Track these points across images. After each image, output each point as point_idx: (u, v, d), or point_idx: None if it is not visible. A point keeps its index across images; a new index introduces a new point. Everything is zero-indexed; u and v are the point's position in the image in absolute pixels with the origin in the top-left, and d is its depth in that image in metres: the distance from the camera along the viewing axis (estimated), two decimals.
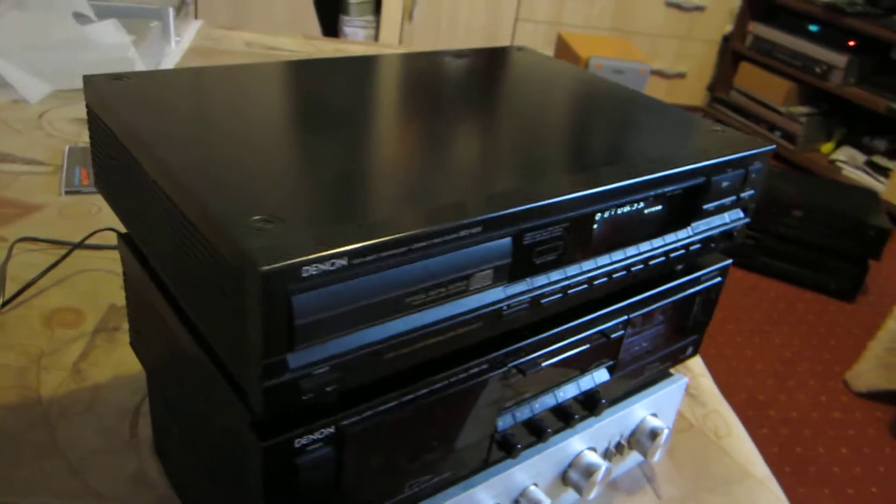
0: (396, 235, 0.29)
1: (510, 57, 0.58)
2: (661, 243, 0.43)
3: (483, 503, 0.44)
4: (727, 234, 0.47)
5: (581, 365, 0.44)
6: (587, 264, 0.39)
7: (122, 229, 0.73)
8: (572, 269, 0.38)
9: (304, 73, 0.47)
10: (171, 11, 1.34)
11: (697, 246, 0.45)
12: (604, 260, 0.40)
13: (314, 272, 0.27)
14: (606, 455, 0.51)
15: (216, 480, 0.38)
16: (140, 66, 1.15)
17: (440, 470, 0.39)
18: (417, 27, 2.92)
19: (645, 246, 0.42)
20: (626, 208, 0.39)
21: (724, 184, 0.45)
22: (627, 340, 0.46)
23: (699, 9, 3.13)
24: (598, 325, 0.43)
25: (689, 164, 0.41)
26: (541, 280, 0.37)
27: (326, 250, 0.27)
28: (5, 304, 0.62)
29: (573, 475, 0.48)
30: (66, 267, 0.68)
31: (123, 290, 0.66)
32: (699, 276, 0.49)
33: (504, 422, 0.41)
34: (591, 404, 0.46)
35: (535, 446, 0.45)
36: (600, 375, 0.47)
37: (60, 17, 1.10)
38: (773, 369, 1.78)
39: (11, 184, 0.81)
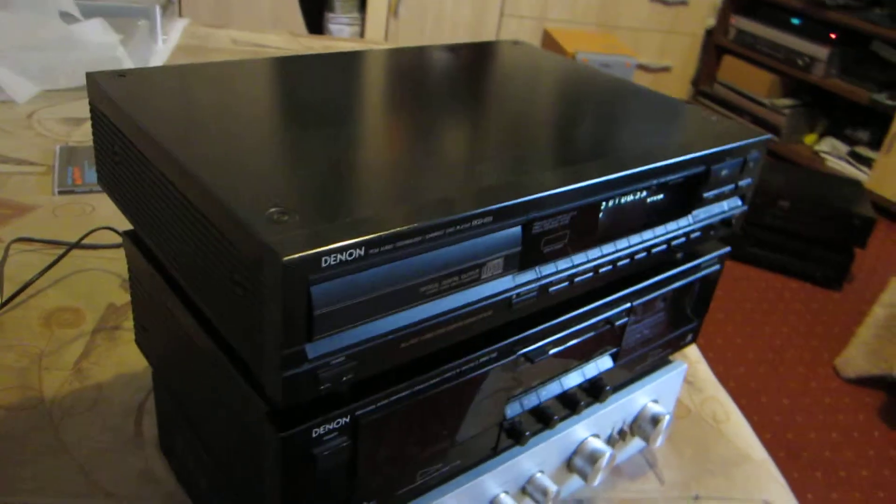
0: (411, 225, 0.29)
1: (509, 51, 0.58)
2: (663, 231, 0.44)
3: (491, 491, 0.44)
4: (726, 222, 0.48)
5: (586, 352, 0.45)
6: (593, 252, 0.39)
7: (120, 227, 0.73)
8: (579, 258, 0.39)
9: (306, 67, 0.47)
10: (158, 10, 1.33)
11: (697, 234, 0.46)
12: (608, 248, 0.40)
13: (333, 262, 0.27)
14: (610, 441, 0.52)
15: (229, 474, 0.39)
16: (129, 66, 1.15)
17: (450, 458, 0.40)
18: (403, 23, 2.92)
19: (647, 234, 0.43)
20: (630, 197, 0.40)
21: (724, 172, 0.45)
22: (630, 328, 0.47)
23: (682, 3, 3.15)
24: (603, 313, 0.44)
25: (690, 154, 0.41)
26: (549, 269, 0.37)
27: (345, 240, 0.27)
28: (3, 304, 0.62)
29: (578, 462, 0.49)
30: (63, 267, 0.68)
31: (122, 289, 0.66)
32: (699, 264, 0.49)
33: (512, 409, 0.42)
34: (595, 391, 0.47)
35: (541, 433, 0.46)
36: (604, 363, 0.47)
37: (47, 16, 1.09)
38: (764, 357, 1.80)
39: (4, 184, 0.81)
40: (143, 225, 0.39)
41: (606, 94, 0.50)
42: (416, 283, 0.31)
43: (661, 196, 0.42)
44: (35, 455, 0.49)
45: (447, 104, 0.45)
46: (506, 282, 0.35)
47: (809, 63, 2.95)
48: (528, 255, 0.35)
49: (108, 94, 0.38)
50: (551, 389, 0.44)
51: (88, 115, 1.02)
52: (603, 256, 0.40)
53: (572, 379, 0.45)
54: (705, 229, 0.47)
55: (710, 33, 3.35)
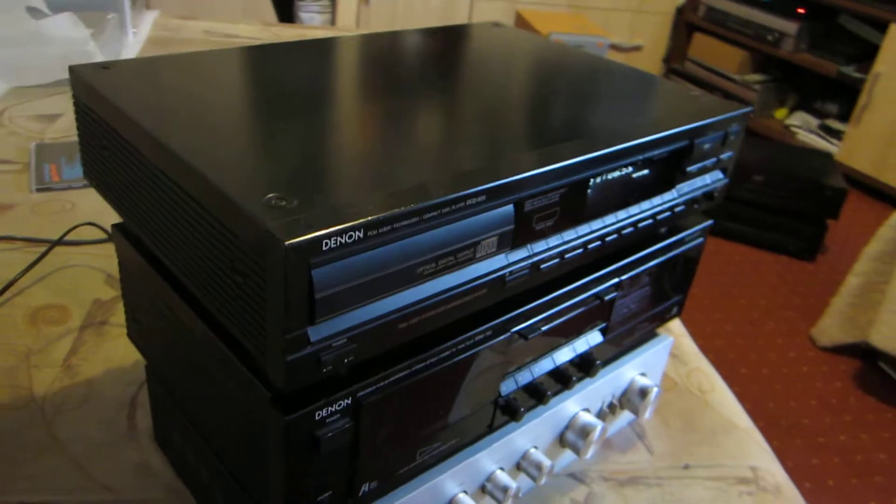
0: (408, 207, 0.29)
1: (490, 33, 0.58)
2: (649, 206, 0.44)
3: (487, 468, 0.45)
4: (708, 195, 0.49)
5: (577, 328, 0.46)
6: (582, 229, 0.40)
7: (102, 223, 0.73)
8: (568, 234, 0.39)
9: (291, 55, 0.47)
10: (127, 2, 1.31)
11: (682, 207, 0.47)
12: (597, 224, 0.41)
13: (334, 245, 0.27)
14: (600, 415, 0.53)
15: (230, 461, 0.39)
16: (99, 59, 1.13)
17: (448, 437, 0.41)
18: (374, 9, 2.89)
19: (634, 209, 0.44)
20: (617, 173, 0.41)
21: (706, 146, 0.46)
22: (619, 302, 0.48)
23: None
24: (592, 289, 0.45)
25: (674, 128, 0.42)
26: (540, 246, 0.38)
27: (344, 223, 0.27)
28: None
29: (570, 436, 0.50)
30: (46, 264, 0.67)
31: (107, 285, 0.65)
32: (684, 237, 0.50)
33: (507, 387, 0.43)
34: (586, 366, 0.48)
35: (535, 409, 0.46)
36: (594, 337, 0.48)
37: (14, 12, 1.07)
38: (742, 330, 1.84)
39: None
40: (134, 218, 0.39)
41: (590, 73, 0.50)
42: (413, 264, 0.31)
43: (646, 171, 0.43)
44: (30, 453, 0.49)
45: (435, 87, 0.45)
46: (499, 260, 0.36)
47: (778, 38, 2.98)
48: (521, 232, 0.36)
49: (93, 87, 0.38)
50: (544, 366, 0.45)
51: (62, 111, 1.00)
52: (592, 232, 0.41)
53: (564, 355, 0.46)
54: (689, 203, 0.47)
55: (680, 11, 3.37)
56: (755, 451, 0.58)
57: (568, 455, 0.52)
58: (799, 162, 2.25)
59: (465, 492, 0.44)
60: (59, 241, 0.68)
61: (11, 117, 0.97)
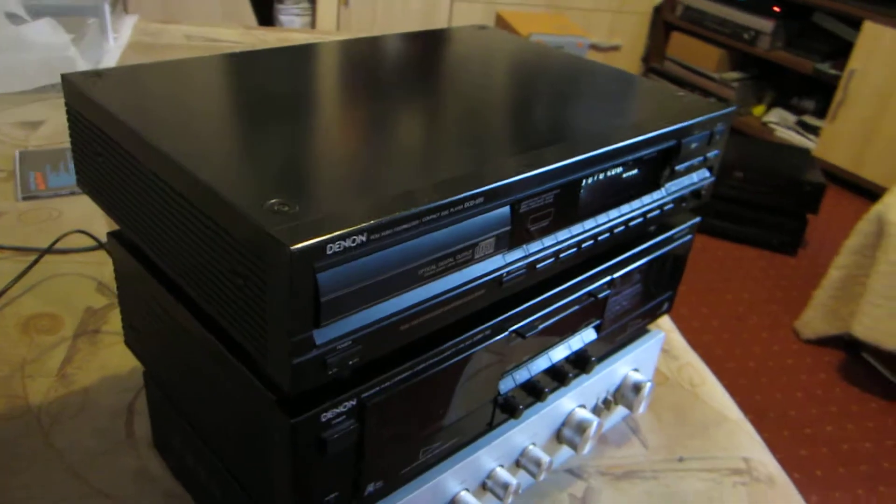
0: (409, 210, 0.30)
1: (478, 35, 0.59)
2: (639, 205, 0.45)
3: (487, 466, 0.46)
4: (696, 193, 0.50)
5: (572, 326, 0.46)
6: (575, 228, 0.41)
7: (91, 231, 0.72)
8: (562, 234, 0.40)
9: (283, 60, 0.47)
10: (107, 7, 1.30)
11: (670, 206, 0.48)
12: (590, 223, 0.42)
13: (338, 249, 0.28)
14: (595, 411, 0.54)
15: (233, 465, 0.39)
16: (81, 65, 1.12)
17: (449, 435, 0.41)
18: (354, 12, 2.89)
19: (625, 208, 0.44)
20: (608, 173, 0.41)
21: (693, 145, 0.47)
22: (612, 300, 0.49)
23: None
24: (586, 287, 0.45)
25: (663, 128, 0.43)
26: (535, 246, 0.38)
27: (347, 227, 0.28)
28: None
29: (567, 432, 0.51)
30: (36, 273, 0.67)
31: (98, 293, 0.65)
32: (673, 234, 0.51)
33: (505, 385, 0.43)
34: (581, 363, 0.49)
35: (532, 407, 0.47)
36: (588, 335, 0.49)
37: None
38: (728, 325, 1.86)
39: None
40: (131, 225, 0.39)
41: (579, 76, 0.51)
42: (414, 266, 0.32)
43: (635, 171, 0.44)
44: (27, 462, 0.49)
45: (427, 92, 0.45)
46: (497, 261, 0.36)
47: (755, 36, 3.02)
48: (517, 233, 0.37)
49: (88, 95, 0.38)
50: (541, 364, 0.46)
51: (44, 118, 0.99)
52: (585, 231, 0.41)
53: (559, 352, 0.47)
54: (677, 201, 0.48)
55: (657, 11, 3.40)
56: (747, 443, 0.59)
57: (565, 451, 0.53)
58: (778, 158, 2.28)
59: (467, 489, 0.44)
60: (49, 250, 0.68)
61: None
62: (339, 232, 0.28)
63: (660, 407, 0.61)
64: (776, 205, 2.18)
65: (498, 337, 0.40)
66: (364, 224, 0.28)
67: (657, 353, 0.58)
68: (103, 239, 0.71)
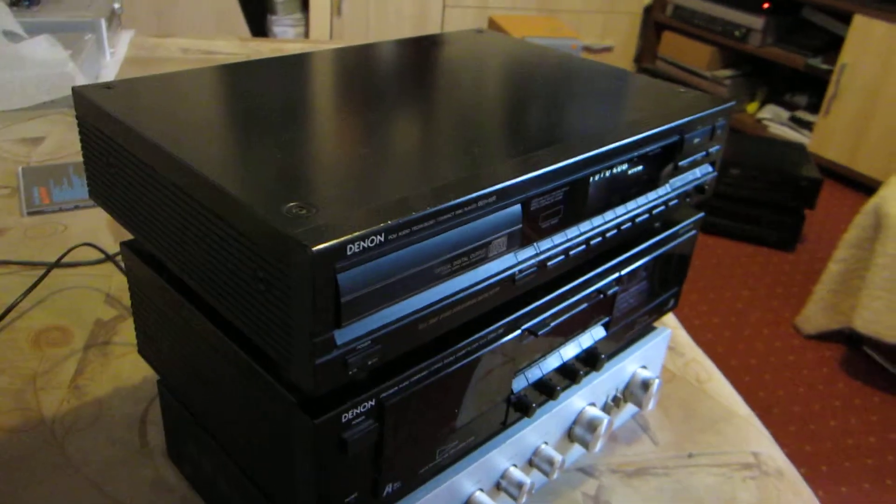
0: (424, 210, 0.30)
1: (477, 39, 0.60)
2: (645, 200, 0.46)
3: (501, 466, 0.46)
4: (699, 188, 0.51)
5: (582, 323, 0.47)
6: (584, 226, 0.41)
7: (98, 244, 0.73)
8: (572, 231, 0.41)
9: (288, 68, 0.48)
10: (104, 23, 1.31)
11: (675, 201, 0.48)
12: (598, 220, 0.42)
13: (357, 250, 0.28)
14: (605, 409, 0.54)
15: (253, 469, 0.40)
16: (80, 80, 1.13)
17: (465, 435, 0.41)
18: (347, 21, 2.90)
19: (631, 204, 0.45)
20: (615, 169, 0.42)
21: (696, 140, 0.48)
22: (620, 296, 0.49)
23: None
24: (595, 284, 0.46)
25: (667, 124, 0.43)
26: (546, 244, 0.39)
27: (366, 228, 0.28)
28: None
29: (578, 431, 0.51)
30: (44, 287, 0.67)
31: (107, 305, 0.66)
32: (678, 230, 0.52)
33: (518, 384, 0.44)
34: (592, 360, 0.49)
35: (544, 405, 0.47)
36: (598, 332, 0.49)
37: None
38: (729, 322, 1.87)
39: None
40: (146, 234, 0.39)
41: (584, 76, 0.52)
42: (431, 265, 0.32)
43: (640, 167, 0.44)
44: (44, 474, 0.49)
45: (434, 94, 0.46)
46: (509, 259, 0.37)
47: (746, 33, 3.04)
48: (528, 231, 0.37)
49: (100, 106, 0.38)
50: (552, 362, 0.46)
51: (45, 133, 1.00)
52: (593, 228, 0.42)
53: (570, 350, 0.47)
54: (681, 196, 0.49)
55: (648, 11, 3.42)
56: (755, 437, 0.59)
57: (576, 450, 0.53)
58: (773, 154, 2.29)
59: (482, 489, 0.45)
60: (57, 264, 0.68)
61: None
62: (358, 233, 0.28)
63: (668, 403, 0.62)
64: (773, 201, 2.19)
65: (511, 335, 0.41)
66: (382, 224, 0.29)
67: (664, 349, 0.59)
68: (110, 251, 0.72)
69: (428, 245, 0.32)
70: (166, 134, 0.36)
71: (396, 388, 0.35)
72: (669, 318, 0.74)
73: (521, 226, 0.36)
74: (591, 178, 0.40)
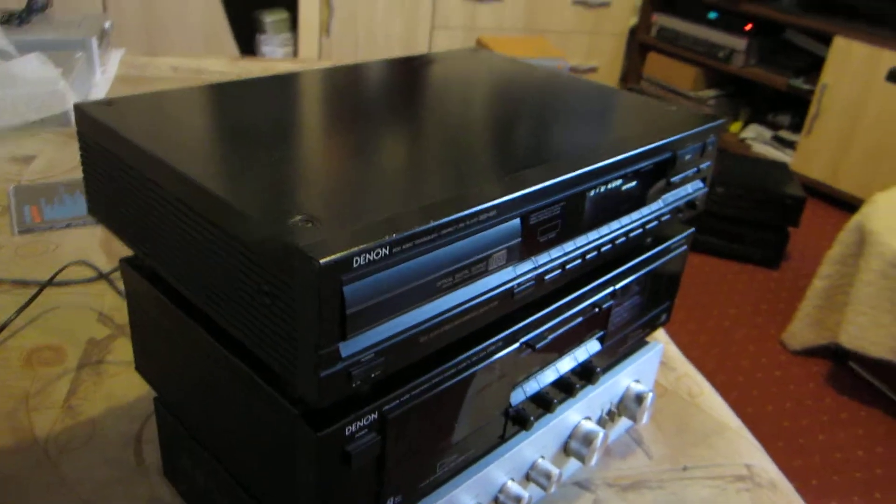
0: (427, 224, 0.31)
1: (472, 57, 0.61)
2: (639, 216, 0.47)
3: (499, 480, 0.46)
4: (691, 204, 0.52)
5: (578, 337, 0.47)
6: (580, 240, 0.42)
7: (93, 262, 0.72)
8: (568, 246, 0.41)
9: (287, 86, 0.49)
10: (95, 41, 1.31)
11: (667, 216, 0.49)
12: (593, 235, 0.43)
13: (363, 262, 0.29)
14: (600, 423, 0.55)
15: (253, 485, 0.40)
16: (71, 98, 1.13)
17: (464, 449, 0.42)
18: (335, 41, 2.92)
19: (625, 220, 0.46)
20: (610, 185, 0.43)
21: (687, 157, 0.49)
22: (614, 310, 0.50)
23: (604, 4, 3.25)
24: (591, 298, 0.46)
25: (660, 140, 0.44)
26: (543, 258, 0.40)
27: (371, 241, 0.29)
28: None
29: (574, 445, 0.51)
30: (37, 306, 0.67)
31: (100, 323, 0.65)
32: (670, 245, 0.53)
33: (516, 397, 0.44)
34: (587, 374, 0.49)
35: (540, 420, 0.48)
36: (593, 346, 0.50)
37: None
38: (716, 339, 1.88)
39: None
40: (147, 249, 0.39)
41: (578, 94, 0.53)
42: (433, 278, 0.33)
43: (634, 183, 0.45)
44: (39, 495, 0.49)
45: (432, 111, 0.47)
46: (508, 272, 0.37)
47: (729, 54, 3.09)
48: (527, 245, 0.38)
49: (102, 122, 0.39)
50: (549, 375, 0.46)
51: (36, 152, 1.00)
52: (588, 243, 0.43)
53: (566, 364, 0.48)
54: (673, 212, 0.50)
55: (633, 32, 3.47)
56: (747, 450, 0.60)
57: (572, 464, 0.53)
58: (758, 173, 2.33)
59: (480, 503, 0.45)
60: (50, 282, 0.68)
61: None
62: (363, 246, 0.29)
63: (661, 418, 0.62)
64: (758, 219, 2.22)
65: (510, 348, 0.41)
66: (387, 238, 0.29)
67: (656, 364, 0.59)
68: (104, 269, 0.72)
69: (430, 258, 0.32)
70: (169, 149, 0.36)
71: (398, 400, 0.35)
72: (660, 334, 0.75)
73: (519, 240, 0.37)
74: (588, 193, 0.41)
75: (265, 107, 0.45)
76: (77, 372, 0.60)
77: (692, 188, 0.51)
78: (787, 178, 2.30)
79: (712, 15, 3.18)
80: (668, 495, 0.54)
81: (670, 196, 0.49)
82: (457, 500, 0.43)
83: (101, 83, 1.31)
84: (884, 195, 1.68)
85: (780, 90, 2.95)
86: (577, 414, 0.51)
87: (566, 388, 0.48)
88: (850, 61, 2.63)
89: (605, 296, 0.48)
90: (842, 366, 1.80)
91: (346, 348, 0.30)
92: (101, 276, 0.70)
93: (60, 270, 0.68)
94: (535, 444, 0.48)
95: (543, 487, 0.48)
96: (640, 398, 0.56)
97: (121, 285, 0.69)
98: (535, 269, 0.39)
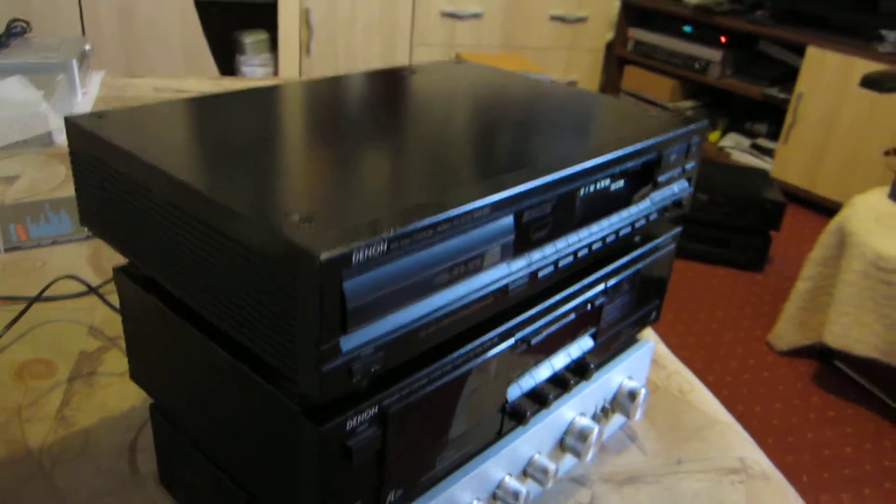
0: (424, 220, 0.32)
1: (457, 68, 0.62)
2: (627, 214, 0.48)
3: (497, 476, 0.47)
4: (677, 203, 0.53)
5: (571, 333, 0.48)
6: (571, 237, 0.43)
7: (83, 276, 0.72)
8: (560, 243, 0.42)
9: (277, 96, 0.49)
10: (75, 64, 1.32)
11: (655, 216, 0.50)
12: (584, 233, 0.44)
13: (362, 258, 0.29)
14: (594, 419, 0.55)
15: (253, 486, 0.40)
16: (54, 119, 1.13)
17: (463, 444, 0.42)
18: (316, 60, 2.94)
19: (615, 218, 0.47)
20: (600, 184, 0.44)
21: (673, 157, 0.50)
22: (606, 308, 0.51)
23: (581, 20, 3.30)
24: (583, 294, 0.47)
25: (646, 140, 0.45)
26: (536, 255, 0.40)
27: (371, 237, 0.29)
28: None
29: (570, 440, 0.52)
30: (25, 321, 0.66)
31: (90, 336, 0.65)
32: (658, 244, 0.54)
33: (512, 393, 0.45)
34: (581, 370, 0.50)
35: (537, 416, 0.48)
36: (586, 343, 0.51)
37: None
38: (703, 342, 1.90)
39: None
40: (142, 257, 0.40)
41: (564, 100, 0.54)
42: (430, 274, 0.33)
43: (622, 183, 0.46)
44: None
45: (421, 116, 0.47)
46: (502, 269, 0.38)
47: (705, 66, 3.14)
48: (520, 242, 0.38)
49: (95, 133, 0.39)
50: (543, 372, 0.47)
51: (19, 172, 0.99)
52: (580, 241, 0.44)
53: (560, 360, 0.48)
54: (661, 211, 0.51)
55: (610, 46, 3.52)
56: (740, 443, 0.61)
57: (568, 460, 0.54)
58: (738, 180, 2.36)
59: (478, 499, 0.45)
60: (39, 297, 0.67)
61: None
62: (362, 241, 0.29)
63: (654, 414, 0.63)
64: (740, 224, 2.25)
65: (505, 344, 0.42)
66: (384, 234, 0.30)
67: (648, 361, 0.60)
68: (93, 284, 0.72)
69: (427, 254, 0.33)
70: (163, 157, 0.37)
71: (398, 395, 0.35)
72: (650, 335, 0.76)
73: (513, 237, 0.37)
74: (578, 192, 0.42)
75: (257, 116, 0.45)
76: (69, 384, 0.60)
77: (678, 188, 0.52)
78: (767, 183, 2.34)
79: (687, 28, 3.24)
80: (664, 489, 0.55)
81: (657, 195, 0.50)
82: (455, 495, 0.43)
83: (83, 104, 1.31)
84: (862, 197, 1.72)
85: (757, 99, 3.01)
86: (572, 410, 0.52)
87: (561, 384, 0.49)
88: (824, 70, 2.68)
89: (597, 293, 0.49)
90: (828, 365, 1.82)
91: (347, 343, 0.31)
92: (92, 290, 0.70)
93: (49, 285, 0.68)
94: (532, 441, 0.49)
95: (540, 483, 0.49)
96: (633, 394, 0.57)
97: (111, 299, 0.69)
98: (528, 265, 0.40)
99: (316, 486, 0.34)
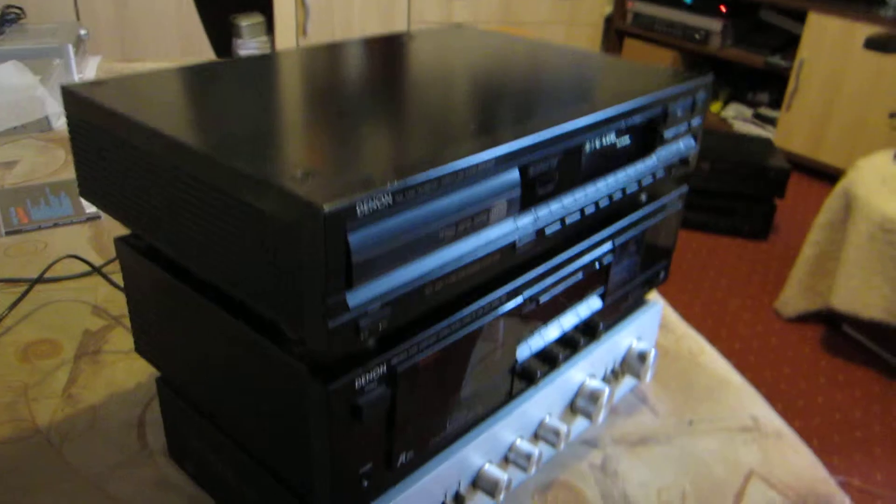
0: (427, 172, 0.31)
1: (460, 32, 0.61)
2: (634, 171, 0.47)
3: (508, 438, 0.46)
4: (684, 160, 0.52)
5: (579, 293, 0.48)
6: (578, 194, 0.42)
7: (85, 255, 0.72)
8: (567, 199, 0.41)
9: (277, 62, 0.48)
10: (71, 48, 1.30)
11: (662, 173, 0.49)
12: (590, 189, 0.43)
13: (366, 211, 0.29)
14: (605, 381, 0.55)
15: (264, 453, 0.39)
16: (50, 104, 1.12)
17: (473, 405, 0.42)
18: (312, 41, 2.91)
19: (621, 174, 0.46)
20: (606, 139, 0.43)
21: (678, 112, 0.49)
22: (614, 267, 0.50)
23: None
24: (591, 253, 0.47)
25: (651, 93, 0.45)
26: (543, 211, 0.40)
27: (374, 189, 0.29)
28: None
29: (581, 402, 0.52)
30: (28, 302, 0.66)
31: (94, 315, 0.65)
32: (665, 203, 0.53)
33: (522, 353, 0.44)
34: (590, 330, 0.50)
35: (547, 377, 0.48)
36: (594, 303, 0.50)
37: None
38: (710, 310, 1.89)
39: None
40: (144, 225, 0.39)
41: (572, 59, 0.53)
42: (436, 228, 0.32)
43: (628, 138, 0.45)
44: (46, 482, 0.48)
45: (426, 77, 0.47)
46: (509, 224, 0.37)
47: (706, 36, 3.10)
48: (526, 197, 0.38)
49: (94, 100, 0.38)
50: (553, 332, 0.47)
51: (17, 157, 0.99)
52: (586, 197, 0.43)
53: (569, 320, 0.48)
54: (668, 168, 0.50)
55: (609, 20, 3.48)
56: (752, 402, 0.60)
57: (579, 423, 0.53)
58: (742, 148, 2.34)
59: (490, 461, 0.45)
60: (40, 278, 0.67)
61: None
62: (366, 193, 0.28)
63: (665, 377, 0.63)
64: (744, 192, 2.24)
65: (514, 303, 0.41)
66: (388, 185, 0.29)
67: (657, 321, 0.60)
68: (95, 263, 0.71)
69: (432, 208, 0.32)
70: (163, 120, 0.36)
71: (406, 354, 0.35)
72: (656, 299, 0.75)
73: (519, 191, 0.37)
74: (584, 147, 0.41)
75: (257, 82, 0.44)
76: (75, 362, 0.59)
77: (684, 145, 0.51)
78: (771, 151, 2.32)
79: None
80: (677, 449, 0.54)
81: (663, 152, 0.49)
82: (467, 458, 0.43)
83: None
84: (867, 160, 1.70)
85: (758, 68, 2.97)
86: (582, 373, 0.51)
87: (570, 344, 0.48)
88: (826, 35, 2.65)
89: (605, 252, 0.48)
90: (835, 330, 1.82)
91: (353, 298, 0.30)
92: (95, 270, 0.70)
93: (51, 265, 0.68)
94: (543, 403, 0.48)
95: (553, 444, 0.48)
96: (642, 356, 0.56)
97: (114, 278, 0.69)
98: (535, 222, 0.39)
99: (326, 448, 0.33)
